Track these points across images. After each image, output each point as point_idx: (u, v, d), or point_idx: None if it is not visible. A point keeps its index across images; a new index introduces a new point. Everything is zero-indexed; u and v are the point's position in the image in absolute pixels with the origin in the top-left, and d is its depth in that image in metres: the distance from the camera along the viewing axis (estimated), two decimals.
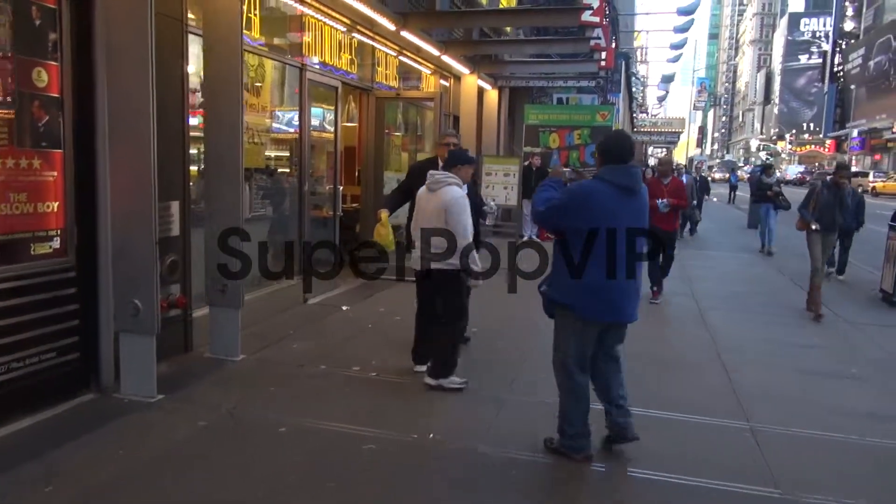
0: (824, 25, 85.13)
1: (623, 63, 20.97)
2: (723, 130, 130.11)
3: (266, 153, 6.63)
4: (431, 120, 9.40)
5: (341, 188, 7.71)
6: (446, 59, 10.65)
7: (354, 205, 9.14)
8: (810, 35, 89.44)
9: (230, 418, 3.94)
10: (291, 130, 6.93)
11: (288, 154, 7.02)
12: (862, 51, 60.12)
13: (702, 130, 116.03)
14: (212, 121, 5.00)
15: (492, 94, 14.10)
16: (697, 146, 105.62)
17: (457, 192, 4.54)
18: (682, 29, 26.15)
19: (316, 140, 7.47)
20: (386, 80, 9.31)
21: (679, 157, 74.26)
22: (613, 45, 12.90)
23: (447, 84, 12.19)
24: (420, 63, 10.65)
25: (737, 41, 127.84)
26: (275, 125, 6.75)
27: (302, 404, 4.22)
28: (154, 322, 4.11)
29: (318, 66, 7.20)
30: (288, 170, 6.98)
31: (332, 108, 7.63)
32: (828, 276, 10.69)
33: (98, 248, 4.21)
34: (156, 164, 4.02)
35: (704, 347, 6.06)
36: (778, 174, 12.45)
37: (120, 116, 4.06)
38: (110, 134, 4.10)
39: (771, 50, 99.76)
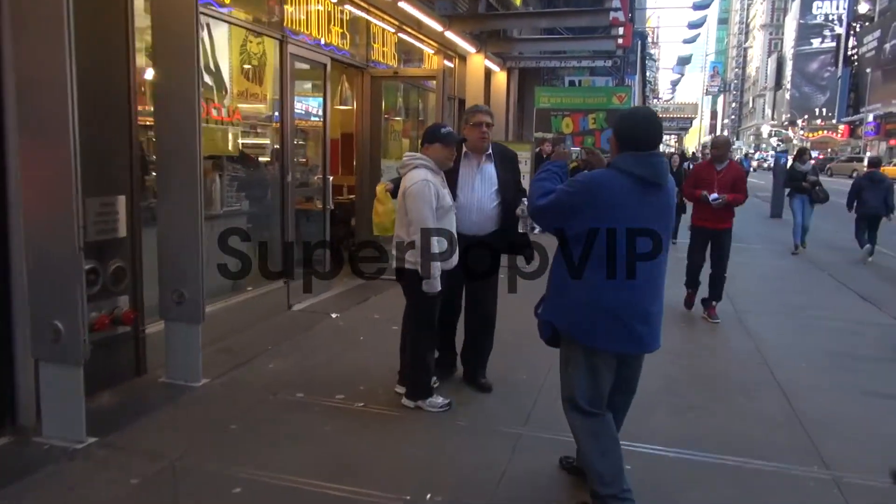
0: (837, 8, 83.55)
1: (639, 43, 19.83)
2: (732, 117, 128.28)
3: (242, 139, 5.75)
4: (435, 103, 8.50)
5: (331, 178, 6.84)
6: (450, 35, 9.74)
7: (351, 196, 8.29)
8: (823, 18, 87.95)
9: (172, 473, 3.10)
10: (271, 112, 6.07)
11: (268, 140, 6.15)
12: (877, 34, 58.67)
13: (715, 116, 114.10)
14: (163, 100, 4.14)
15: (500, 76, 13.17)
16: (710, 132, 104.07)
17: (417, 176, 3.72)
18: (702, 6, 24.90)
19: (302, 124, 6.61)
20: (384, 58, 8.42)
21: (690, 143, 72.98)
22: (631, 21, 11.95)
23: (451, 65, 11.27)
24: (422, 41, 9.74)
25: (747, 26, 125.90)
26: (252, 106, 5.87)
27: (268, 450, 3.37)
28: (80, 348, 3.26)
29: (302, 40, 6.32)
30: (268, 158, 6.11)
31: (321, 87, 6.75)
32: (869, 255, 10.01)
33: (10, 256, 3.37)
34: (77, 153, 3.15)
35: (752, 362, 5.17)
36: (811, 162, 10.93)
37: (31, 94, 3.20)
38: (20, 116, 3.25)
39: (782, 34, 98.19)
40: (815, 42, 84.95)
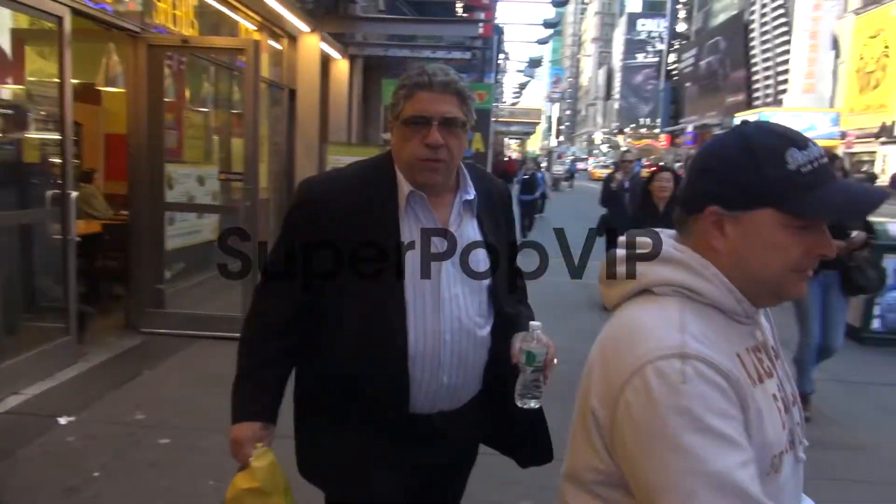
0: (658, 26, 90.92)
1: (496, 39, 18.50)
2: (567, 123, 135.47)
3: None
4: (250, 92, 6.23)
5: (75, 194, 4.46)
6: (271, 2, 7.57)
7: (125, 213, 5.89)
8: (646, 35, 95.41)
9: None
10: None
11: None
12: (694, 51, 64.04)
13: (560, 121, 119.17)
14: None
15: (341, 66, 11.12)
16: (556, 137, 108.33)
17: None
18: (560, 2, 24.17)
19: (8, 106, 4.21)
20: (174, 24, 6.08)
21: (533, 148, 75.29)
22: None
23: (280, 47, 9.08)
24: (236, 9, 7.48)
25: (579, 38, 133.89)
26: None
27: None
28: None
29: None
30: None
31: (55, 54, 4.37)
32: None
33: None
34: None
35: None
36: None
37: None
38: None
39: (611, 48, 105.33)
40: (640, 56, 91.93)
